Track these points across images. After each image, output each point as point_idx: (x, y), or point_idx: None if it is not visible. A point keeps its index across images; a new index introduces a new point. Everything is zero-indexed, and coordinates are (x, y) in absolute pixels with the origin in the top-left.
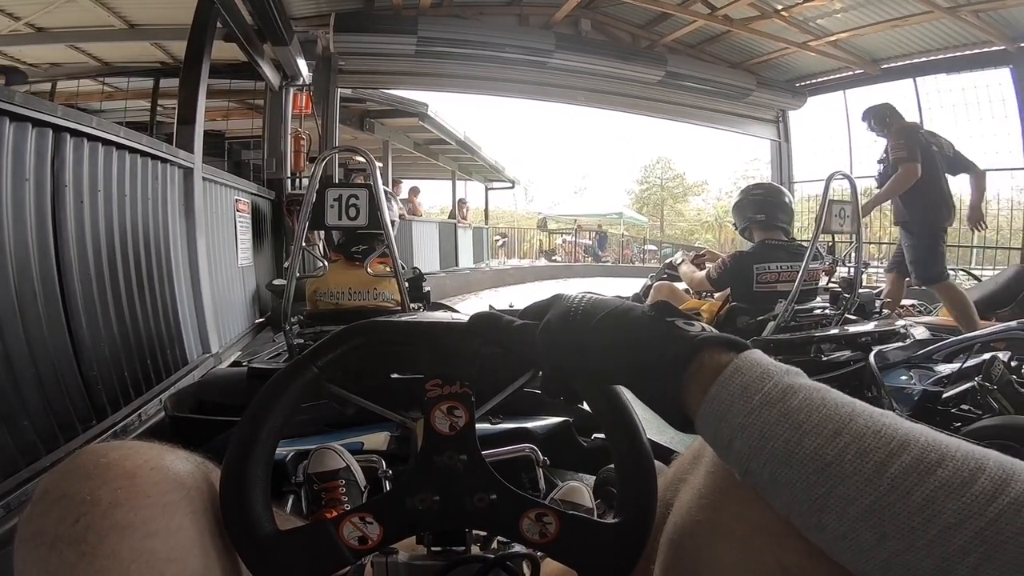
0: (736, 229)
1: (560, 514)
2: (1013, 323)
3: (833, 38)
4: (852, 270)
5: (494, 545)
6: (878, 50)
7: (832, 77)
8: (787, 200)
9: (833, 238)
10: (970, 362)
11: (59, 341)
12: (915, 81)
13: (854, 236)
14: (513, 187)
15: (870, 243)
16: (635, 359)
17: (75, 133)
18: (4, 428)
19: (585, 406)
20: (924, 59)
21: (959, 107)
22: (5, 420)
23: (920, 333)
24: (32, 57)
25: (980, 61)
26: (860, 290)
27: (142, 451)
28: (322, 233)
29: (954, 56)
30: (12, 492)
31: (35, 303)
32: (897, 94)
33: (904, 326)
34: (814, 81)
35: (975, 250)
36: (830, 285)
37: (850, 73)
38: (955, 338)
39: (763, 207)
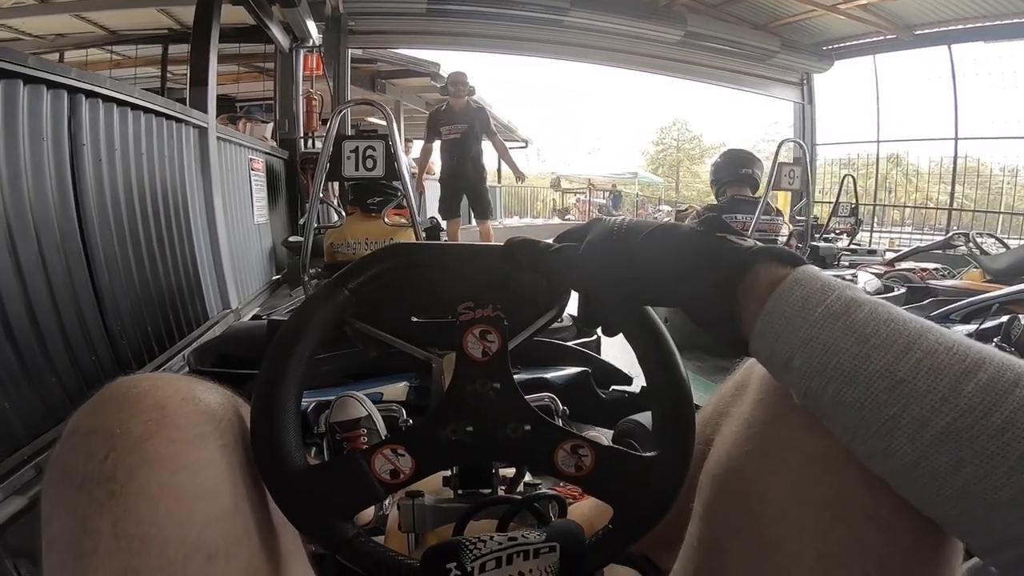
0: (713, 187)
1: (596, 446)
2: None
3: (863, 1)
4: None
5: (520, 488)
6: (911, 15)
7: (862, 41)
8: (759, 160)
9: (807, 197)
10: (988, 323)
11: (84, 293)
12: (950, 48)
13: (804, 193)
14: (526, 147)
15: (823, 202)
16: (685, 274)
17: (90, 94)
18: (32, 386)
19: (605, 355)
20: (960, 27)
21: (995, 76)
22: (32, 378)
23: (865, 279)
24: (37, 28)
25: (1020, 31)
26: (821, 244)
27: (172, 382)
28: (336, 188)
29: (992, 25)
30: (41, 453)
31: (59, 255)
32: (931, 60)
33: (854, 274)
34: (842, 45)
35: (1002, 216)
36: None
37: (881, 38)
38: (974, 298)
39: (743, 163)
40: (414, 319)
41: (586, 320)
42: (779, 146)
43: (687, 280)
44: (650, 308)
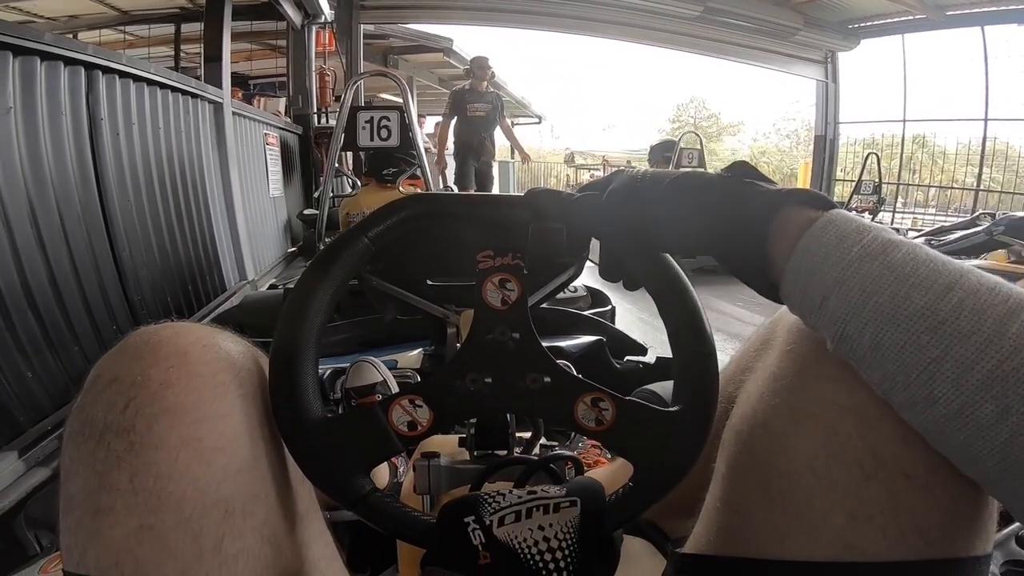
0: (648, 164)
1: (617, 399)
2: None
3: None
4: None
5: (536, 450)
6: None
7: (890, 21)
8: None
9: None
10: None
11: (106, 264)
12: (983, 29)
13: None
14: (540, 123)
15: (845, 180)
16: (713, 217)
17: (107, 70)
18: (55, 355)
19: (619, 325)
20: (993, 8)
21: None
22: (56, 347)
23: None
24: (49, 11)
25: None
26: None
27: (193, 329)
28: (350, 161)
29: None
30: (64, 423)
31: (80, 227)
32: (963, 41)
33: None
34: (869, 24)
35: None
36: None
37: (910, 18)
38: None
39: (667, 149)
40: (430, 282)
41: (608, 272)
42: (681, 137)
43: (714, 226)
44: (672, 259)
